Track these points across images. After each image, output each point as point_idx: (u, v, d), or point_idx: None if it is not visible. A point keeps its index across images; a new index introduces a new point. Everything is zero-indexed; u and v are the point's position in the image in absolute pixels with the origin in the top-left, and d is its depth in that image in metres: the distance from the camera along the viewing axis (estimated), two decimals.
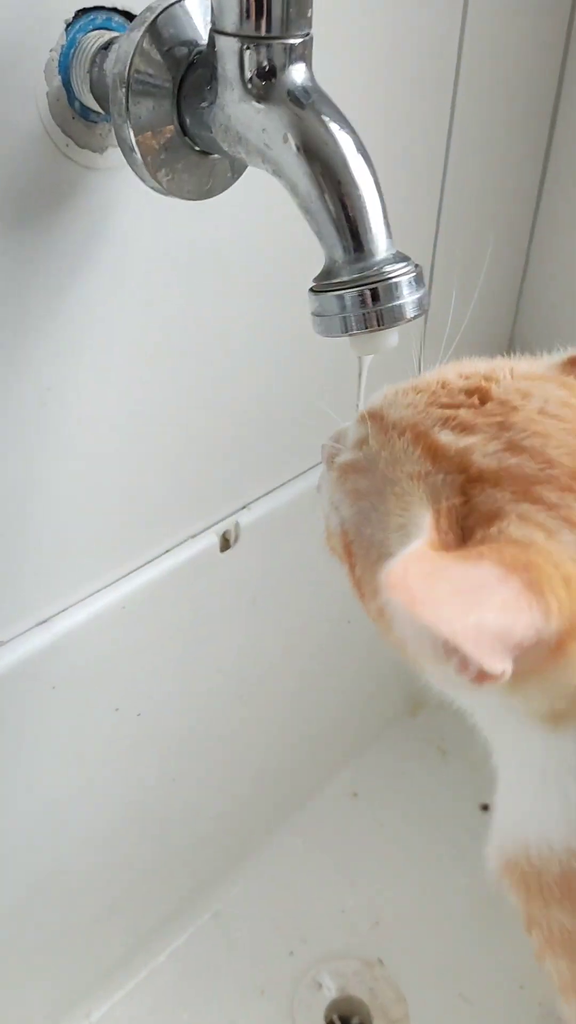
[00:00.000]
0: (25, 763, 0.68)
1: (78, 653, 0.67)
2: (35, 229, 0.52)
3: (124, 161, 0.54)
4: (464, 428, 0.41)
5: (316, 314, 0.45)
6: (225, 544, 0.76)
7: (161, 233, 0.59)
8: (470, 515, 0.38)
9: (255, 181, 0.54)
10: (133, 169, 0.47)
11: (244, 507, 0.77)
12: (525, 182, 0.91)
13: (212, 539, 0.74)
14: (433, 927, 0.97)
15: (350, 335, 0.44)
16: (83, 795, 0.74)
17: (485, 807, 1.09)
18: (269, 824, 1.02)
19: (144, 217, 0.57)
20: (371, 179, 0.43)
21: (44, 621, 0.65)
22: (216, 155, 0.49)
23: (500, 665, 0.31)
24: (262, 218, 0.64)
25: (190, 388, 0.67)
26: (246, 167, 0.52)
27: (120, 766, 0.76)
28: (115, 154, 0.54)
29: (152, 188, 0.48)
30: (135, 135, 0.46)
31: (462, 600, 0.32)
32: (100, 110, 0.51)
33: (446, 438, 0.41)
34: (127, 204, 0.56)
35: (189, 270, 0.62)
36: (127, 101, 0.45)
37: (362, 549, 0.44)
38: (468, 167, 0.81)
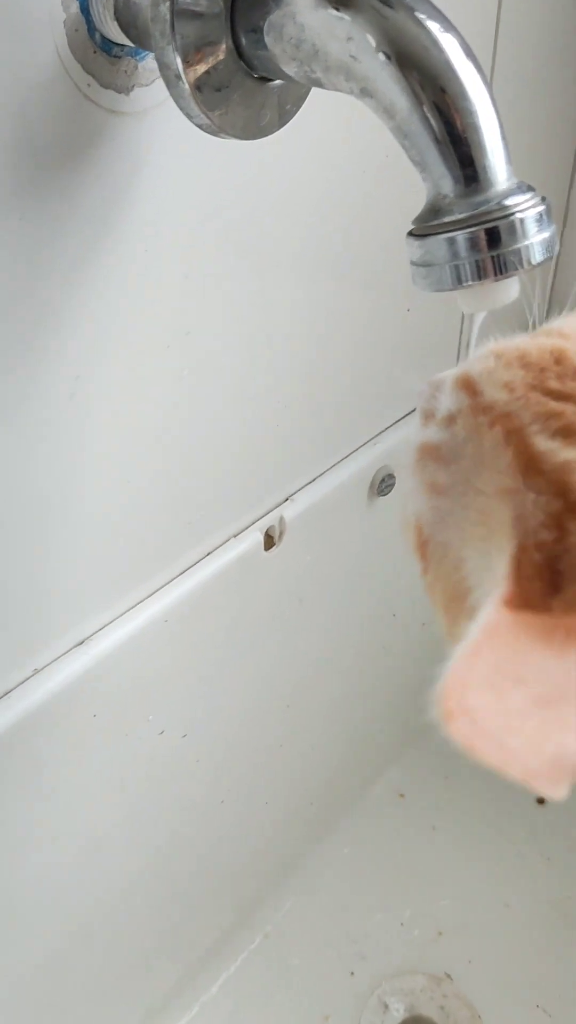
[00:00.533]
0: (65, 799, 0.60)
1: (119, 675, 0.59)
2: (55, 188, 0.44)
3: (153, 103, 0.46)
4: (570, 434, 0.30)
5: (419, 263, 0.37)
6: (269, 541, 0.68)
7: (200, 188, 0.51)
8: (564, 557, 0.29)
9: (316, 115, 0.46)
10: (178, 103, 0.39)
11: (287, 499, 0.69)
12: None
13: (256, 537, 0.66)
14: (500, 933, 0.91)
15: (463, 287, 0.36)
16: (126, 827, 0.67)
17: (541, 801, 1.03)
18: (315, 834, 0.95)
19: (180, 169, 0.49)
20: (484, 91, 0.35)
21: (81, 642, 0.57)
22: (276, 81, 0.41)
23: (568, 789, 0.24)
24: (321, 164, 0.56)
25: (227, 372, 0.59)
26: (305, 98, 0.43)
27: (165, 792, 0.69)
28: (143, 95, 0.45)
29: (200, 125, 0.40)
30: (182, 59, 0.37)
31: (542, 721, 0.24)
32: (126, 41, 0.42)
33: (544, 444, 0.30)
34: (160, 154, 0.48)
35: (232, 233, 0.54)
36: (172, 17, 0.37)
37: (436, 553, 0.35)
38: None
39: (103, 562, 0.57)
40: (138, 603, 0.60)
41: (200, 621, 0.64)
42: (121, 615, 0.59)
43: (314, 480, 0.71)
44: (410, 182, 0.59)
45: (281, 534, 0.68)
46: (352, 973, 0.88)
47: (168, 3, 0.37)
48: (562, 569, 0.28)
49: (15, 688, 0.54)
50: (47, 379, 0.48)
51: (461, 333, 0.82)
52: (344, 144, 0.59)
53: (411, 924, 0.92)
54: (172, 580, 0.62)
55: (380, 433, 0.76)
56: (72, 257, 0.46)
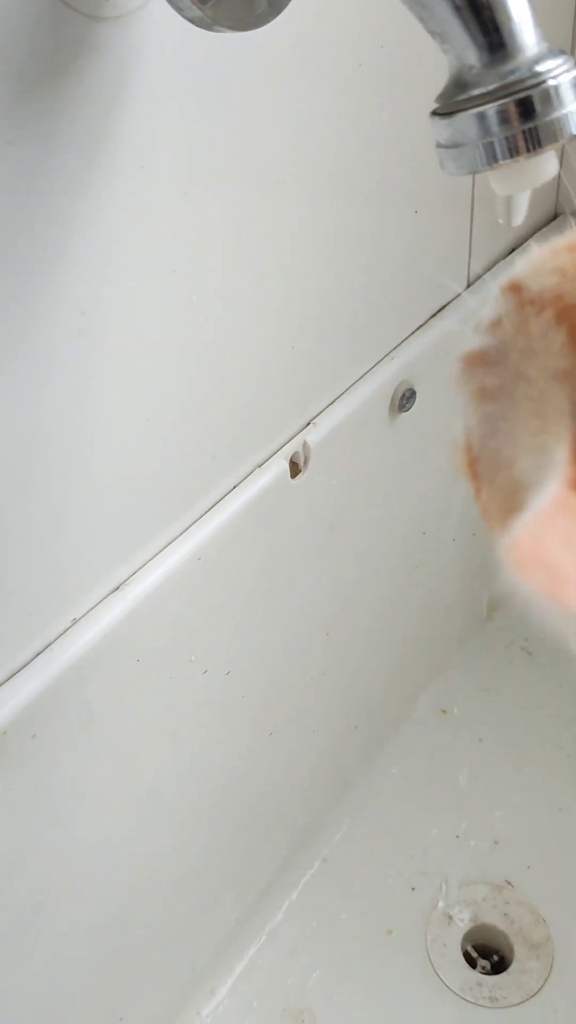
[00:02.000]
0: (118, 747, 0.59)
1: (158, 617, 0.58)
2: (40, 107, 0.41)
3: (136, 4, 0.43)
4: None
5: (447, 145, 0.34)
6: (295, 469, 0.66)
7: (192, 95, 0.47)
8: None
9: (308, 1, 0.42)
10: None
11: (309, 423, 0.67)
12: None
13: (281, 465, 0.64)
14: (556, 837, 0.91)
15: (495, 167, 0.33)
16: (181, 769, 0.66)
17: None
18: (364, 757, 0.95)
19: (170, 76, 0.46)
20: None
21: (117, 588, 0.56)
22: None
23: None
24: (318, 59, 0.53)
25: (236, 295, 0.56)
26: None
27: (214, 731, 0.68)
28: None
29: (191, 19, 0.37)
30: None
31: None
32: None
33: None
34: (147, 60, 0.44)
35: (229, 143, 0.51)
36: None
37: (489, 470, 0.34)
38: None
39: (130, 504, 0.55)
40: (170, 543, 0.58)
41: (233, 556, 0.62)
42: (154, 557, 0.58)
43: (334, 402, 0.69)
44: (412, 73, 0.55)
45: (306, 460, 0.66)
46: (413, 888, 0.89)
47: None
48: None
49: (56, 639, 0.53)
50: (53, 317, 0.45)
51: (471, 231, 0.78)
52: (340, 34, 0.55)
53: (467, 836, 0.92)
54: (201, 516, 0.60)
55: (396, 347, 0.74)
56: (65, 180, 0.43)
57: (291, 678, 0.75)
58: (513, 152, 0.32)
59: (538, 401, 0.30)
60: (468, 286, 0.81)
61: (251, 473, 0.63)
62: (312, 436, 0.66)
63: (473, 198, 0.76)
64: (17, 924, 0.57)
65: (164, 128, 0.47)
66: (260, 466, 0.63)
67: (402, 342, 0.74)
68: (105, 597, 0.55)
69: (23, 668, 0.51)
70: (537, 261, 0.33)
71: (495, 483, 0.33)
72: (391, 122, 0.62)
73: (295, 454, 0.66)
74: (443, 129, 0.34)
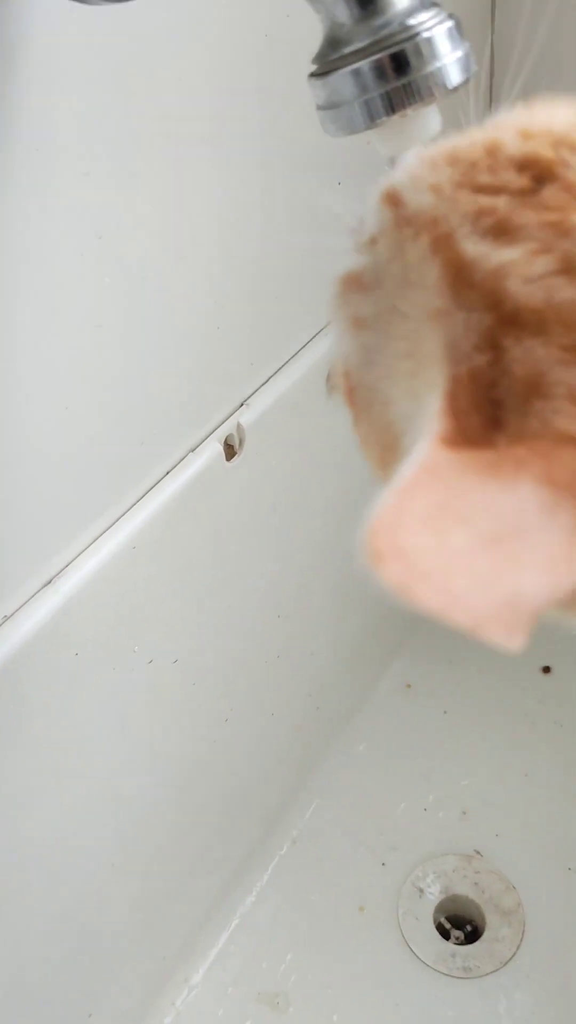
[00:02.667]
0: (64, 743, 0.59)
1: (95, 608, 0.57)
2: None
3: None
4: (503, 232, 0.26)
5: (325, 106, 0.33)
6: (231, 452, 0.65)
7: (84, 66, 0.46)
8: (500, 382, 0.25)
9: None
10: None
11: (242, 405, 0.66)
12: None
13: (215, 448, 0.64)
14: (522, 804, 0.92)
15: (377, 125, 0.32)
16: (135, 761, 0.66)
17: (547, 669, 1.03)
18: (328, 736, 0.95)
19: (60, 48, 0.45)
20: None
21: (49, 582, 0.55)
22: None
23: (524, 637, 0.21)
24: (215, 19, 0.52)
25: (152, 275, 0.55)
26: None
27: (166, 720, 0.68)
28: None
29: None
30: None
31: (490, 560, 0.21)
32: None
33: (474, 249, 0.26)
34: (37, 35, 0.43)
35: (131, 117, 0.49)
36: None
37: (365, 399, 0.31)
38: None
39: (57, 495, 0.54)
40: (102, 533, 0.58)
41: (172, 543, 0.62)
42: (86, 548, 0.57)
43: (268, 381, 0.68)
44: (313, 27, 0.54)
45: (241, 442, 0.66)
46: (383, 864, 0.89)
47: None
48: (501, 397, 0.24)
49: None
50: None
51: None
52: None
53: (435, 808, 0.93)
54: (134, 504, 0.59)
55: (329, 323, 0.73)
56: None
57: (244, 663, 0.74)
58: (392, 109, 0.32)
59: (411, 340, 0.27)
60: None
61: (184, 458, 0.62)
62: (246, 417, 0.65)
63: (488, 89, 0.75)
64: None
65: (58, 108, 0.45)
66: (193, 450, 0.63)
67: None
68: (37, 592, 0.54)
69: None
70: (416, 170, 0.29)
71: (372, 414, 0.31)
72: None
73: (229, 436, 0.65)
74: (320, 90, 0.33)
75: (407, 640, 1.04)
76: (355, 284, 0.30)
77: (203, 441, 0.63)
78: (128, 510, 0.59)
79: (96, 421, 0.54)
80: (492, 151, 0.28)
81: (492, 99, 0.29)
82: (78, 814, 0.62)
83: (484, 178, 0.27)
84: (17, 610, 0.53)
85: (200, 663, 0.69)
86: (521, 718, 0.98)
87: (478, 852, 0.89)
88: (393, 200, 0.29)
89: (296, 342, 0.70)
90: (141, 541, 0.59)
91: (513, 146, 0.28)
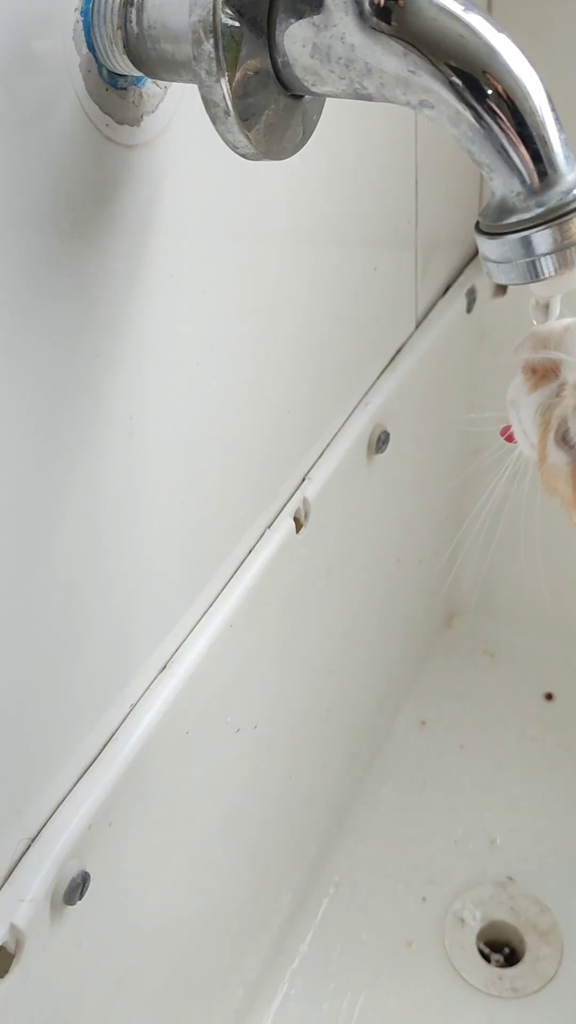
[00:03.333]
0: (173, 820, 0.61)
1: (202, 687, 0.60)
2: (90, 235, 0.43)
3: (159, 129, 0.45)
4: None
5: (494, 260, 0.38)
6: (298, 524, 0.69)
7: (208, 207, 0.50)
8: None
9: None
10: (225, 137, 0.39)
11: (305, 478, 0.70)
12: None
13: (288, 523, 0.68)
14: (548, 828, 0.97)
15: (540, 281, 0.37)
16: (223, 829, 0.68)
17: (549, 696, 1.09)
18: (356, 780, 0.99)
19: (190, 192, 0.48)
20: (541, 87, 0.36)
21: (164, 666, 0.58)
22: (308, 97, 0.41)
23: None
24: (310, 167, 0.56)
25: (243, 373, 0.59)
26: (323, 105, 0.43)
27: (248, 785, 0.71)
28: (151, 122, 0.45)
29: (245, 155, 0.40)
30: (229, 91, 0.37)
31: None
32: (133, 72, 0.41)
33: None
34: (173, 180, 0.47)
35: (233, 244, 0.54)
36: (219, 53, 0.36)
37: None
38: None
39: (167, 582, 0.57)
40: (204, 614, 0.61)
41: (256, 616, 0.65)
42: (192, 630, 0.60)
43: (323, 454, 0.72)
44: (377, 165, 0.59)
45: (306, 514, 0.70)
46: (424, 899, 0.93)
47: (212, 39, 0.36)
48: None
49: (120, 726, 0.55)
50: (106, 421, 0.47)
51: (416, 279, 0.83)
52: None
53: (464, 840, 0.97)
54: (227, 584, 0.63)
55: (366, 394, 0.78)
56: (114, 297, 0.45)
57: (305, 720, 0.78)
58: (556, 270, 0.37)
59: None
60: (417, 326, 0.86)
61: (263, 535, 0.66)
62: (310, 491, 0.70)
63: (416, 247, 0.81)
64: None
65: (185, 238, 0.49)
66: (269, 527, 0.66)
67: (370, 388, 0.78)
68: (156, 677, 0.57)
69: (95, 761, 0.53)
70: None
71: None
72: (358, 202, 0.67)
73: (297, 510, 0.69)
74: (492, 248, 0.38)
75: (417, 679, 1.09)
76: None
77: (276, 517, 0.67)
78: (223, 589, 0.62)
79: (199, 511, 0.58)
80: None
81: None
82: (185, 884, 0.64)
83: None
84: (141, 696, 0.56)
85: (274, 726, 0.72)
86: (531, 744, 1.04)
87: (510, 878, 0.94)
88: None
89: (341, 416, 0.75)
90: (237, 618, 0.62)
91: None
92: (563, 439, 0.40)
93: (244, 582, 0.63)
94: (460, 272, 0.92)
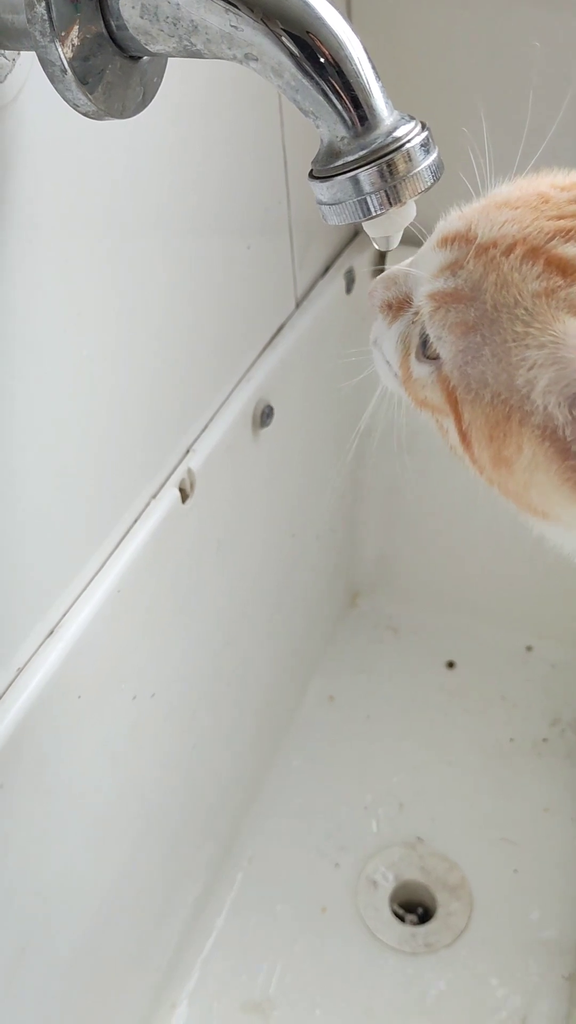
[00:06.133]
0: (69, 786, 0.62)
1: (92, 653, 0.61)
2: None
3: (7, 99, 0.47)
4: None
5: (327, 203, 0.40)
6: (184, 495, 0.71)
7: (65, 173, 0.52)
8: None
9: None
10: (64, 95, 0.40)
11: (189, 450, 0.72)
12: None
13: (173, 493, 0.69)
14: (452, 788, 1.00)
15: (371, 218, 0.40)
16: (122, 797, 0.70)
17: (451, 664, 1.12)
18: (267, 754, 1.01)
19: (45, 159, 0.50)
20: (355, 37, 0.39)
21: (51, 632, 0.59)
22: (146, 57, 0.43)
23: None
24: (162, 130, 0.58)
25: (116, 345, 0.61)
26: (164, 68, 0.46)
27: (148, 753, 0.72)
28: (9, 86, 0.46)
29: (86, 113, 0.41)
30: (65, 52, 0.39)
31: None
32: None
33: (571, 250, 0.38)
34: (26, 147, 0.48)
35: (96, 212, 0.55)
36: (51, 14, 0.38)
37: (471, 392, 0.40)
38: None
39: (51, 548, 0.58)
40: (90, 581, 0.62)
41: (145, 583, 0.67)
42: (79, 596, 0.61)
43: (206, 427, 0.74)
44: (245, 137, 0.62)
45: (192, 485, 0.71)
46: (337, 864, 0.96)
47: (44, 3, 0.38)
48: None
49: (6, 691, 0.55)
50: None
51: (292, 257, 0.86)
52: (180, 101, 0.61)
53: (374, 805, 1.00)
54: (113, 551, 0.64)
55: (248, 370, 0.80)
56: None
57: (207, 692, 0.80)
58: (383, 206, 0.39)
59: (526, 318, 0.38)
60: (297, 305, 0.88)
61: (148, 505, 0.67)
62: (194, 462, 0.71)
63: (291, 229, 0.84)
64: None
65: (43, 206, 0.51)
66: (154, 497, 0.68)
67: (254, 362, 0.81)
68: (43, 642, 0.58)
69: None
70: (474, 217, 0.42)
71: (481, 401, 0.40)
72: (228, 179, 0.69)
73: (183, 481, 0.71)
74: (324, 191, 0.40)
75: (323, 655, 1.11)
76: (452, 297, 0.40)
77: (161, 487, 0.69)
78: (110, 556, 0.63)
79: (80, 478, 0.59)
80: (546, 199, 0.40)
81: None
82: (82, 852, 0.65)
83: (554, 212, 0.39)
84: (28, 661, 0.57)
85: (172, 695, 0.73)
86: (436, 712, 1.07)
87: (420, 839, 0.97)
88: (460, 238, 0.41)
89: (224, 390, 0.77)
90: (124, 584, 0.63)
91: (560, 195, 0.40)
92: (423, 353, 0.42)
93: (130, 549, 0.65)
94: (339, 254, 0.96)
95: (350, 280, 0.94)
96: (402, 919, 0.93)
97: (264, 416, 0.80)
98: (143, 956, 0.80)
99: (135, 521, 0.66)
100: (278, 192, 0.80)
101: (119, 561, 0.64)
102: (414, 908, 0.94)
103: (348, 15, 0.84)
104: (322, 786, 1.02)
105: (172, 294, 0.67)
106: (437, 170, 0.40)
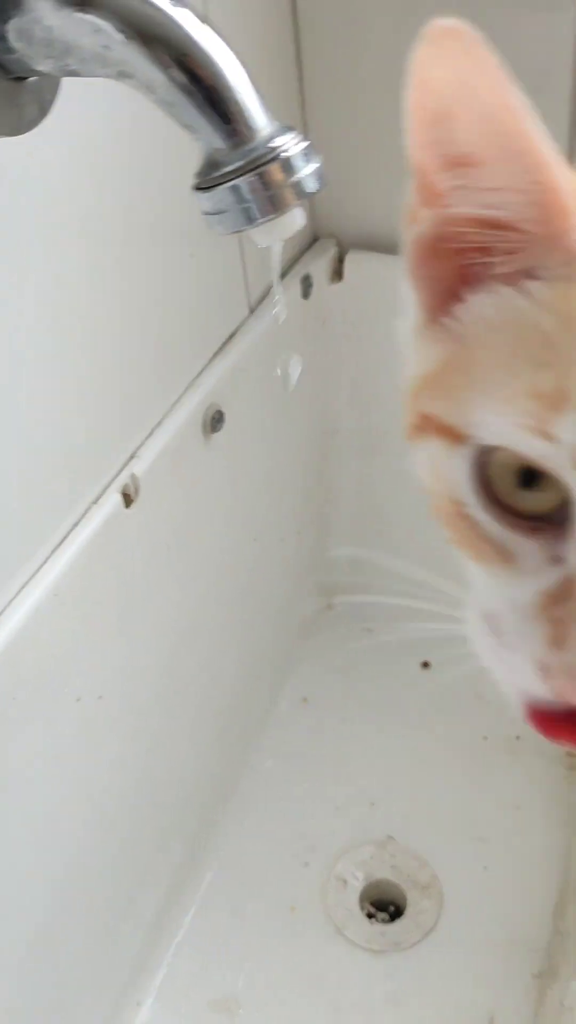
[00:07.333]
0: (5, 786, 0.63)
1: (28, 654, 0.62)
2: None
3: None
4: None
5: (211, 212, 0.41)
6: (128, 500, 0.72)
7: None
8: None
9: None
10: None
11: (133, 456, 0.73)
12: None
13: (115, 498, 0.70)
14: (423, 787, 1.01)
15: (255, 226, 0.41)
16: (70, 797, 0.71)
17: (426, 664, 1.13)
18: (239, 757, 1.02)
19: None
20: (228, 51, 0.40)
21: None
22: (32, 78, 0.44)
23: None
24: (82, 142, 0.59)
25: (52, 352, 0.62)
26: (58, 86, 0.47)
27: (97, 755, 0.73)
28: None
29: None
30: None
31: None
32: None
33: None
34: None
35: (23, 231, 0.56)
36: None
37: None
38: None
39: None
40: (26, 583, 0.63)
41: (87, 586, 0.68)
42: (13, 598, 0.62)
43: (152, 432, 0.75)
44: (163, 140, 0.63)
45: (136, 490, 0.72)
46: (307, 864, 0.96)
47: None
48: None
49: None
50: None
51: (244, 265, 0.87)
52: (97, 115, 0.62)
53: (346, 805, 1.00)
54: (51, 555, 0.65)
55: (199, 375, 0.81)
56: None
57: (158, 694, 0.81)
58: (268, 213, 0.40)
59: None
60: (251, 311, 0.89)
61: (89, 509, 0.69)
62: (138, 467, 0.72)
63: (240, 236, 0.85)
64: None
65: None
66: (95, 502, 0.69)
67: (203, 369, 0.82)
68: None
69: None
70: None
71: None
72: (160, 183, 0.70)
73: (126, 486, 0.72)
74: (206, 201, 0.41)
75: (298, 658, 1.12)
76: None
77: (103, 492, 0.70)
78: (47, 560, 0.65)
79: (14, 480, 0.61)
80: None
81: None
82: (23, 854, 0.66)
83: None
84: None
85: (122, 697, 0.75)
86: (409, 713, 1.08)
87: (391, 837, 0.98)
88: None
89: (171, 396, 0.78)
90: (61, 588, 0.65)
91: None
92: None
93: (70, 553, 0.66)
94: (296, 260, 0.96)
95: (307, 286, 0.95)
96: (373, 917, 0.93)
97: (215, 422, 0.81)
98: (106, 954, 0.81)
99: (75, 525, 0.67)
100: None
101: (57, 564, 0.65)
102: (385, 907, 0.94)
103: (294, 18, 0.85)
104: (295, 786, 1.02)
105: (110, 301, 0.68)
106: (318, 179, 0.41)
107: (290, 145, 0.40)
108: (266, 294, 0.91)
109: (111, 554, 0.70)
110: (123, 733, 0.76)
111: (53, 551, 0.65)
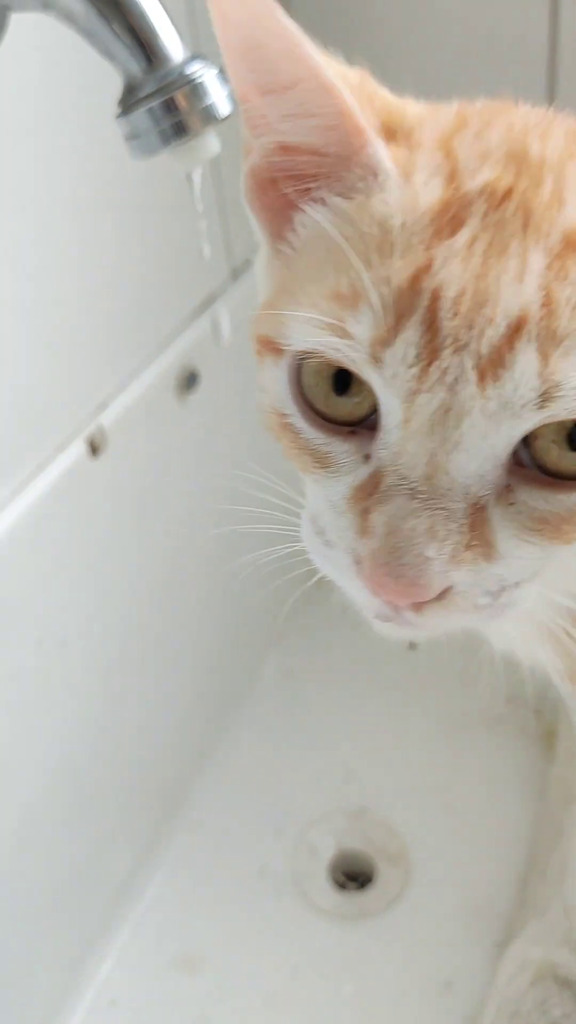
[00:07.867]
0: None
1: None
2: None
3: None
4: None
5: (130, 137, 0.43)
6: (94, 449, 0.73)
7: None
8: None
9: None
10: None
11: (101, 408, 0.75)
12: None
13: (80, 447, 0.72)
14: (402, 761, 1.01)
15: (171, 148, 0.42)
16: (26, 744, 0.72)
17: (413, 645, 1.13)
18: (218, 721, 1.02)
19: None
20: None
21: None
22: None
23: None
24: (35, 91, 0.61)
25: (24, 298, 0.64)
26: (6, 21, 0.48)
27: (59, 704, 0.74)
28: None
29: None
30: None
31: None
32: None
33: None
34: None
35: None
36: None
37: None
38: None
39: None
40: None
41: (50, 531, 0.69)
42: None
43: (125, 388, 0.77)
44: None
45: (104, 441, 0.74)
46: (279, 830, 0.97)
47: None
48: None
49: None
50: None
51: (224, 229, 0.88)
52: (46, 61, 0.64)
53: (322, 774, 1.01)
54: (13, 497, 0.67)
55: (175, 336, 0.82)
56: None
57: (126, 647, 0.82)
58: (178, 135, 0.42)
59: None
60: (235, 277, 0.90)
61: (53, 456, 0.70)
62: (106, 419, 0.74)
63: (220, 203, 0.86)
64: None
65: None
66: (60, 449, 0.71)
67: (181, 330, 0.83)
68: None
69: None
70: None
71: None
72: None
73: (93, 436, 0.73)
74: (125, 126, 0.43)
75: (283, 631, 1.13)
76: None
77: (70, 441, 0.71)
78: (8, 504, 0.66)
79: None
80: None
81: None
82: None
83: None
84: None
85: (89, 647, 0.76)
86: (390, 687, 1.08)
87: (365, 808, 0.98)
88: None
89: (144, 353, 0.79)
90: (19, 532, 0.66)
91: None
92: None
93: (31, 497, 0.67)
94: None
95: None
96: (344, 887, 0.93)
97: (189, 382, 0.82)
98: (67, 912, 0.82)
99: (38, 469, 0.69)
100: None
101: (17, 507, 0.66)
102: (356, 877, 0.95)
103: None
104: (273, 756, 1.03)
105: (87, 252, 0.69)
106: (231, 103, 0.42)
107: (202, 72, 0.41)
108: (249, 262, 0.92)
109: (74, 502, 0.71)
110: (89, 685, 0.77)
111: (14, 494, 0.67)
